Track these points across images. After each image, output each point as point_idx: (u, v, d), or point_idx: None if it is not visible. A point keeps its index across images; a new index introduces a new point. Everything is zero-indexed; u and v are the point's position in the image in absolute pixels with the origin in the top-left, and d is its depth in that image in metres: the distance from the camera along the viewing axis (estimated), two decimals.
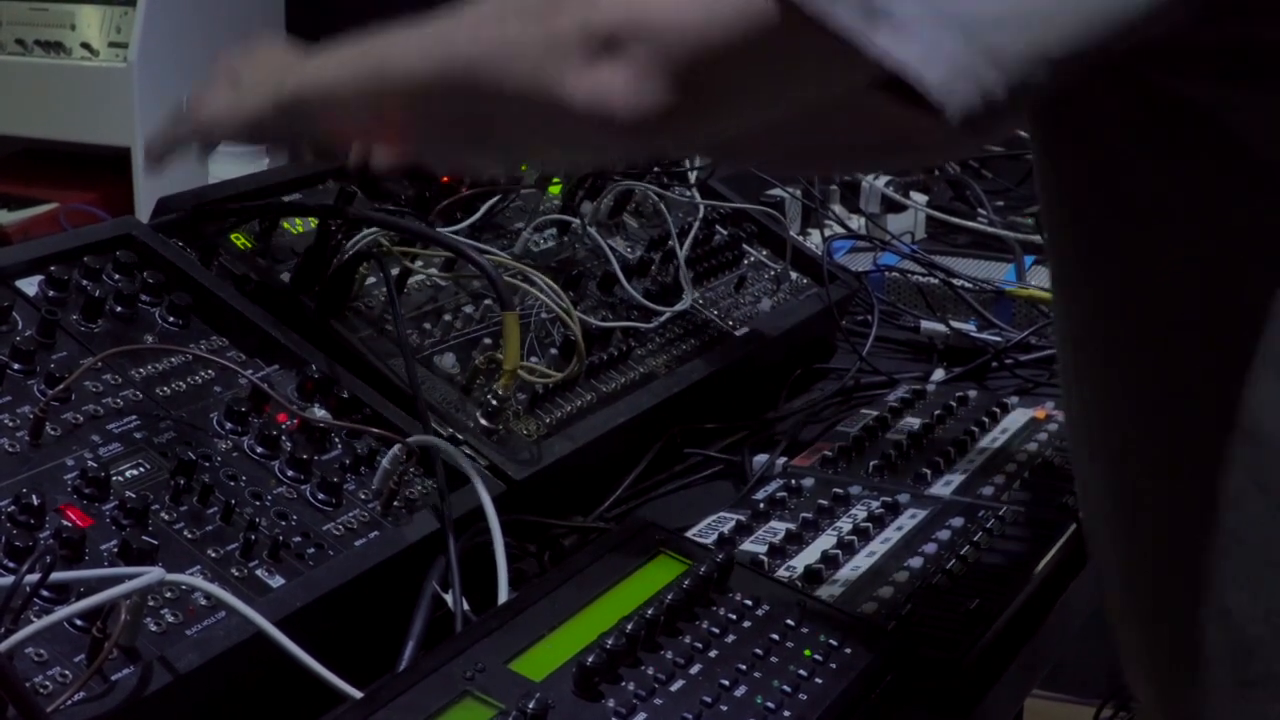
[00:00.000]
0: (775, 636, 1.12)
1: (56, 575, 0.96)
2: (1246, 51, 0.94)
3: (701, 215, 1.82)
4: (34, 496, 1.04)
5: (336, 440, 1.26)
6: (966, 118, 0.89)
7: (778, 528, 1.36)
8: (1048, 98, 0.97)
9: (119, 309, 1.26)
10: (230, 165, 1.98)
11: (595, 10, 0.96)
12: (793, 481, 1.46)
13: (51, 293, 1.25)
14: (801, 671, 1.09)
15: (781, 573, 1.28)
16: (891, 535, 1.36)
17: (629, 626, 1.05)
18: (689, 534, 1.33)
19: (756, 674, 1.08)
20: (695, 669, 1.06)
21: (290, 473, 1.20)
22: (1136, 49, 0.94)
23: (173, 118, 1.33)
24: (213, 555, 1.09)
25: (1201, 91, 0.95)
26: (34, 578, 0.94)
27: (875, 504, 1.41)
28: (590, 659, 1.02)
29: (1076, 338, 1.08)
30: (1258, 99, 0.95)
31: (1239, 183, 0.97)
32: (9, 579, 0.94)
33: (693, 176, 1.88)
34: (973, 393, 1.72)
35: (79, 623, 0.97)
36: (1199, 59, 0.95)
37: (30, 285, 1.25)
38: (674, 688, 1.04)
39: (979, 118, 0.90)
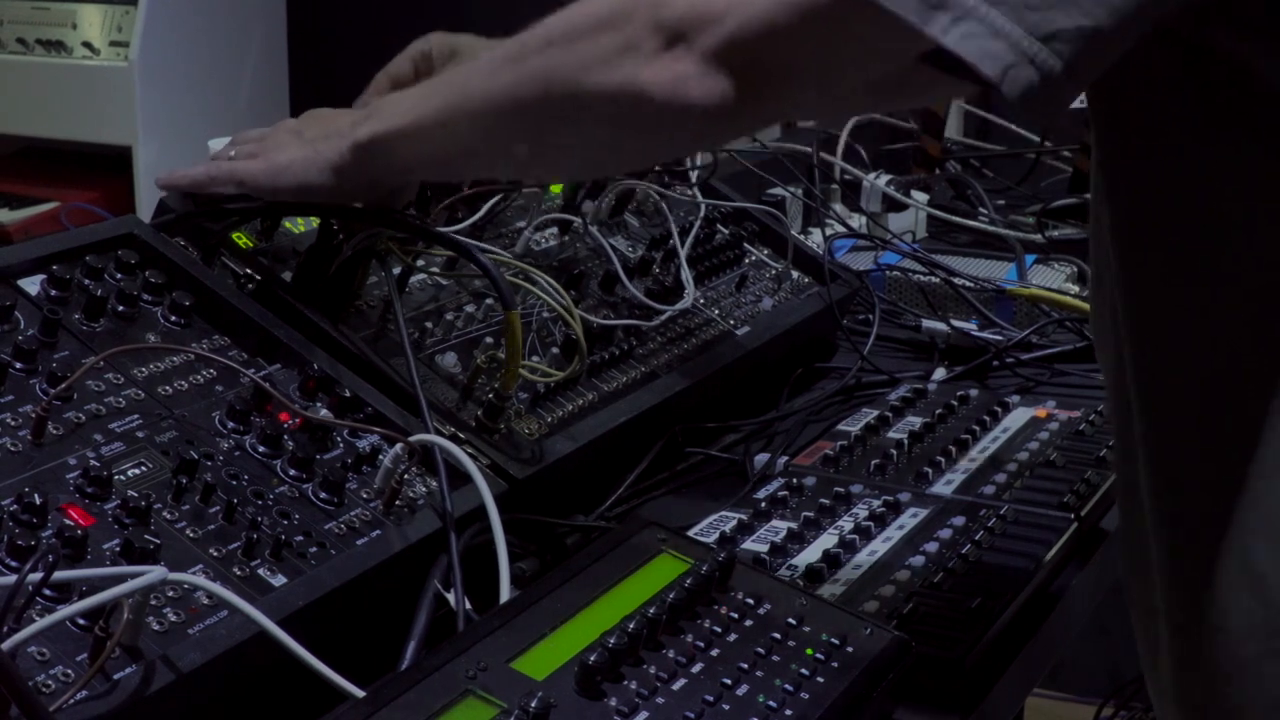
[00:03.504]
0: (777, 635, 1.12)
1: (59, 574, 0.96)
2: None
3: (703, 214, 1.82)
4: (36, 495, 1.04)
5: (338, 439, 1.26)
6: (1026, 99, 0.92)
7: (779, 526, 1.37)
8: (1104, 70, 0.97)
9: (121, 308, 1.27)
10: None
11: (663, 7, 1.04)
12: (794, 480, 1.46)
13: (53, 292, 1.25)
14: (803, 670, 1.09)
15: (783, 571, 1.28)
16: (893, 534, 1.36)
17: (631, 625, 1.06)
18: (691, 533, 1.33)
19: (758, 672, 1.08)
20: (697, 668, 1.07)
21: (292, 472, 1.20)
22: (1187, 10, 0.95)
23: (210, 167, 1.41)
24: (215, 554, 1.09)
25: (1255, 49, 0.96)
26: (36, 577, 0.94)
27: (876, 503, 1.41)
28: (592, 658, 1.02)
29: (1129, 305, 1.08)
30: None
31: None
32: (11, 578, 0.94)
33: (694, 176, 1.88)
34: (974, 392, 1.72)
35: (81, 622, 0.98)
36: (1250, 14, 0.95)
37: (32, 284, 1.26)
38: (676, 686, 1.04)
39: (1038, 99, 0.92)
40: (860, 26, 0.98)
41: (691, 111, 1.05)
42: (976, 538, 1.34)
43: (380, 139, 1.29)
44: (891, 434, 1.60)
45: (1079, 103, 1.04)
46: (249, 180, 1.38)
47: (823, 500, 1.41)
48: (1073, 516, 1.40)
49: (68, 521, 1.05)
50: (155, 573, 0.97)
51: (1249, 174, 0.99)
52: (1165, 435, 1.06)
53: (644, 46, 1.05)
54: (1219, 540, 1.02)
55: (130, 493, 1.09)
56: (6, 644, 0.91)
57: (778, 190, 2.25)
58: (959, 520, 1.38)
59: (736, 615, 1.13)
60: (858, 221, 2.37)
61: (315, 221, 1.44)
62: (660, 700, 1.02)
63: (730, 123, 1.12)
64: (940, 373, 1.85)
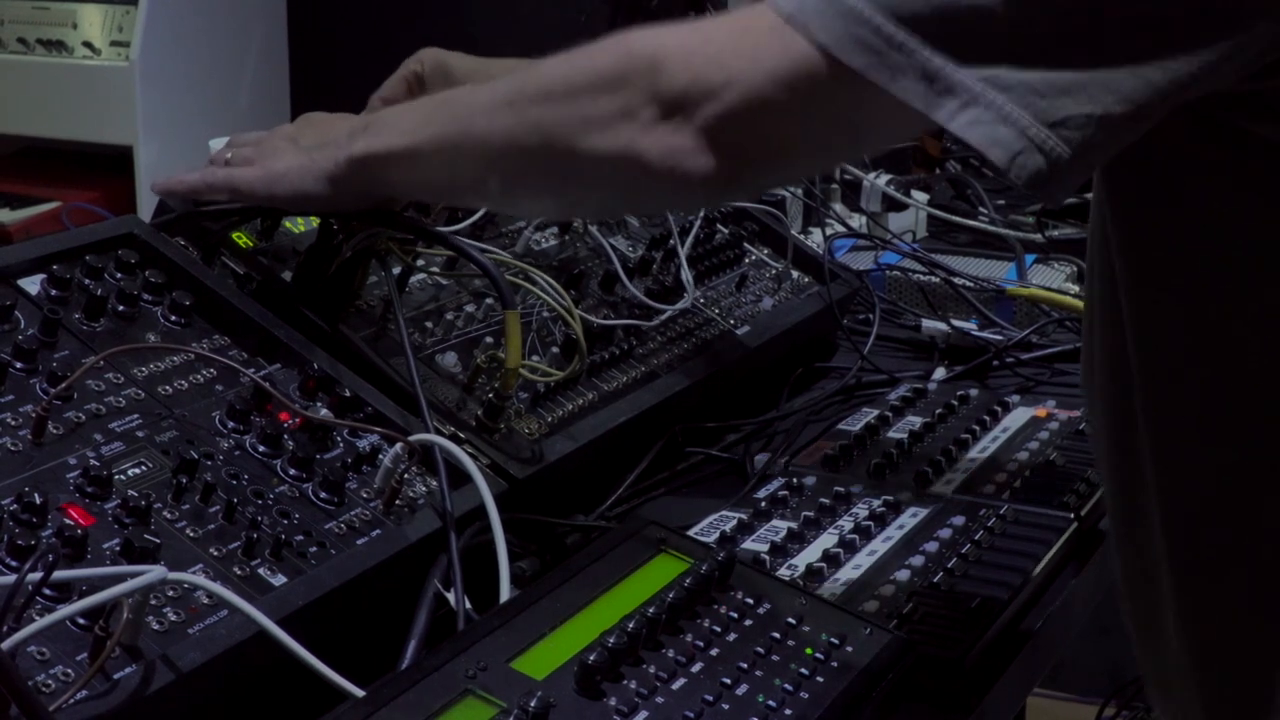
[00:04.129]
0: (777, 635, 1.12)
1: (59, 574, 0.96)
2: None
3: (703, 214, 1.82)
4: (36, 495, 1.04)
5: (338, 439, 1.26)
6: (1034, 184, 0.92)
7: (779, 526, 1.37)
8: (1120, 149, 0.97)
9: (121, 308, 1.27)
10: None
11: (664, 76, 1.02)
12: (794, 480, 1.46)
13: (54, 291, 1.25)
14: (803, 670, 1.09)
15: (783, 571, 1.28)
16: (893, 534, 1.36)
17: (631, 625, 1.06)
18: (690, 532, 1.33)
19: (758, 672, 1.08)
20: (697, 667, 1.07)
21: (292, 471, 1.20)
22: (1203, 98, 0.94)
23: (206, 173, 1.41)
24: (215, 554, 1.09)
25: (1272, 129, 0.96)
26: (36, 576, 0.94)
27: (876, 502, 1.41)
28: (592, 657, 1.02)
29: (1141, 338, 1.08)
30: None
31: None
32: (11, 577, 0.94)
33: None
34: (974, 391, 1.73)
35: (81, 621, 0.98)
36: (1264, 102, 0.95)
37: (32, 284, 1.26)
38: (676, 686, 1.04)
39: (1047, 185, 0.92)
40: (861, 108, 0.98)
41: (687, 182, 1.04)
42: (976, 537, 1.34)
43: (375, 157, 1.28)
44: (891, 434, 1.60)
45: None
46: (245, 188, 1.37)
47: (823, 500, 1.41)
48: (1072, 516, 1.40)
49: (68, 521, 1.05)
50: (155, 572, 0.97)
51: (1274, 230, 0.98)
52: (1180, 490, 1.06)
53: (642, 115, 1.04)
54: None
55: (130, 492, 1.09)
56: (6, 643, 0.91)
57: (778, 190, 2.25)
58: (959, 520, 1.38)
59: (736, 615, 1.13)
60: (858, 221, 2.37)
61: (315, 221, 1.44)
62: (660, 700, 1.02)
63: (725, 193, 1.12)
64: (940, 372, 1.85)
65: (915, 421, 1.62)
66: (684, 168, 1.03)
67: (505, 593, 1.17)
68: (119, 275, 1.30)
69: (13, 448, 1.10)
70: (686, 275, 1.69)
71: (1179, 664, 1.11)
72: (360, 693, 1.02)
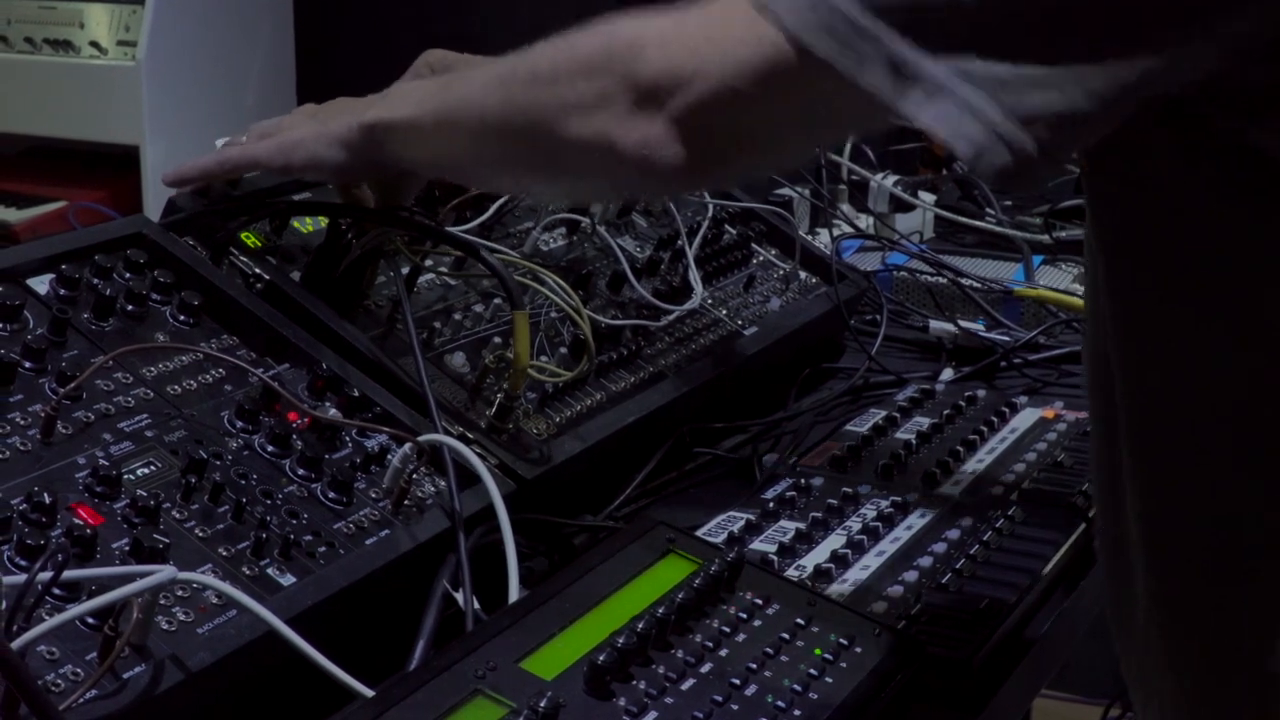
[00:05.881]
0: (785, 635, 1.12)
1: (68, 573, 0.96)
2: None
3: (710, 214, 1.83)
4: (45, 495, 1.04)
5: (347, 439, 1.26)
6: (1001, 178, 0.91)
7: (787, 527, 1.37)
8: (1089, 144, 0.97)
9: (130, 307, 1.27)
10: None
11: (640, 64, 1.03)
12: (802, 481, 1.47)
13: (62, 291, 1.25)
14: (811, 670, 1.09)
15: (791, 572, 1.28)
16: (901, 535, 1.36)
17: (640, 625, 1.05)
18: (699, 533, 1.33)
19: (767, 673, 1.08)
20: (706, 668, 1.07)
21: (301, 471, 1.20)
22: (1178, 93, 0.93)
23: (220, 153, 1.42)
24: (224, 554, 1.09)
25: (1248, 125, 0.95)
26: (46, 576, 0.94)
27: (884, 503, 1.41)
28: (601, 658, 1.02)
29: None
30: None
31: None
32: (21, 577, 0.94)
33: None
34: (981, 392, 1.73)
35: (90, 621, 0.97)
36: (1243, 97, 0.94)
37: (41, 284, 1.25)
38: (685, 686, 1.04)
39: (1012, 174, 0.91)
40: (827, 97, 0.97)
41: (657, 171, 1.05)
42: (984, 539, 1.34)
43: (383, 124, 1.29)
44: (899, 434, 1.60)
45: None
46: (262, 159, 1.38)
47: (831, 501, 1.41)
48: (1080, 518, 1.40)
49: (77, 521, 1.05)
50: (164, 572, 0.97)
51: (1262, 238, 0.97)
52: (1158, 498, 1.05)
53: (617, 102, 1.05)
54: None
55: (139, 492, 1.09)
56: (16, 643, 0.91)
57: (785, 190, 2.25)
58: (967, 521, 1.38)
59: (745, 616, 1.13)
60: (865, 222, 2.37)
61: (324, 221, 1.45)
62: (669, 700, 1.02)
63: (696, 183, 1.13)
64: (948, 373, 1.85)
65: (923, 422, 1.62)
66: (654, 157, 1.04)
67: (514, 593, 1.17)
68: (128, 275, 1.30)
69: (22, 447, 1.10)
70: (694, 276, 1.69)
71: (1156, 661, 1.11)
72: (369, 693, 1.02)
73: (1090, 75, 0.90)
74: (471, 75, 1.25)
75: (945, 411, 1.64)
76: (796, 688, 1.07)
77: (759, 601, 1.15)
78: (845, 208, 2.38)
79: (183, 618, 1.02)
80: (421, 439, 1.23)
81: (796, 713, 1.05)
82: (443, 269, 1.51)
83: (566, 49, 1.11)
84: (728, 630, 1.11)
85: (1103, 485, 1.11)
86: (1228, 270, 0.98)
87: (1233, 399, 0.99)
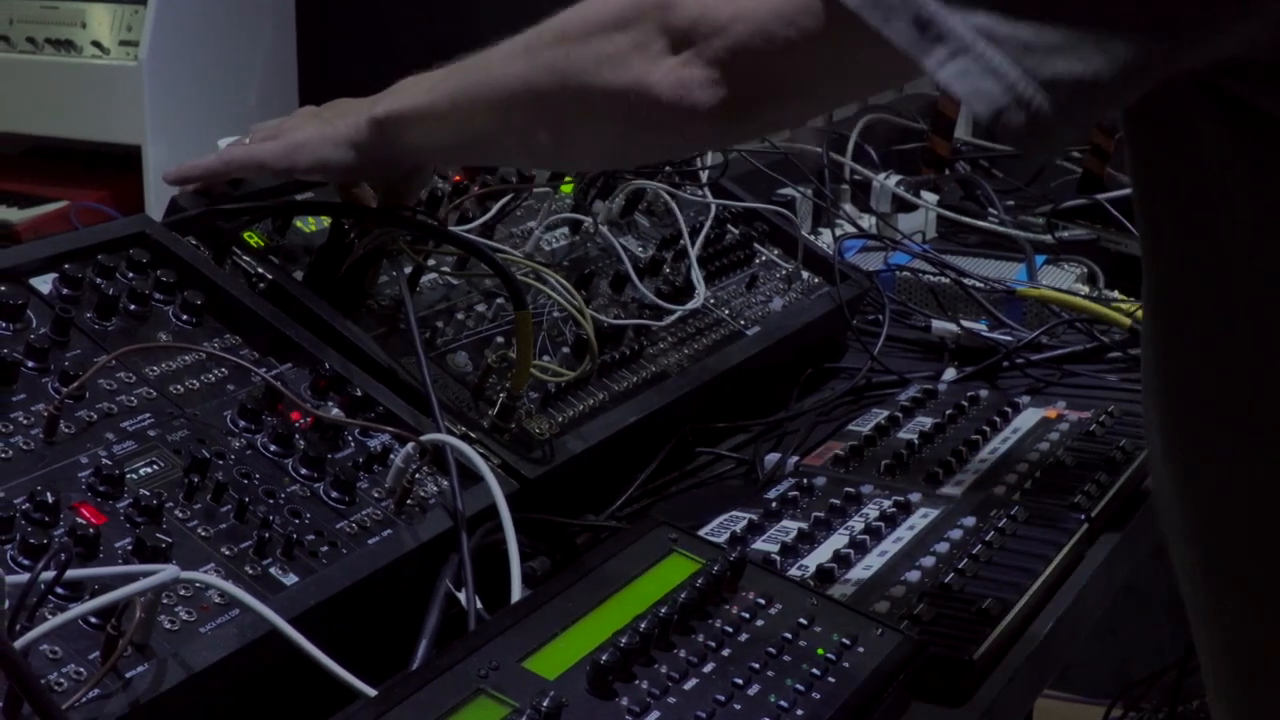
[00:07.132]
0: (788, 635, 1.12)
1: (71, 573, 0.96)
2: None
3: (713, 214, 1.83)
4: (48, 494, 1.04)
5: (349, 438, 1.26)
6: (1017, 140, 0.92)
7: (790, 527, 1.37)
8: (1109, 113, 0.97)
9: (132, 307, 1.27)
10: None
11: (672, 11, 1.07)
12: (804, 480, 1.46)
13: (65, 290, 1.25)
14: (814, 670, 1.09)
15: (794, 571, 1.28)
16: (903, 534, 1.36)
17: (642, 625, 1.05)
18: (701, 533, 1.33)
19: (769, 672, 1.08)
20: (708, 667, 1.06)
21: (303, 471, 1.20)
22: (1203, 66, 0.93)
23: (224, 154, 1.42)
24: (226, 553, 1.09)
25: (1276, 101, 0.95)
26: (49, 575, 0.94)
27: (887, 503, 1.41)
28: (604, 657, 1.02)
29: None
30: None
31: None
32: (24, 576, 0.94)
33: (704, 176, 1.88)
34: (984, 392, 1.73)
35: (93, 620, 0.97)
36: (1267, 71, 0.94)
37: (44, 283, 1.26)
38: (687, 686, 1.04)
39: (1028, 138, 0.92)
40: (856, 49, 0.99)
41: (696, 114, 1.07)
42: (987, 538, 1.34)
43: (396, 116, 1.30)
44: (902, 434, 1.60)
45: None
46: (267, 160, 1.38)
47: (833, 500, 1.41)
48: (1083, 517, 1.40)
49: (80, 520, 1.05)
50: (167, 571, 0.97)
51: None
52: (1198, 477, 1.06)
53: (653, 48, 1.08)
54: None
55: (142, 491, 1.09)
56: (19, 642, 0.91)
57: (788, 190, 2.25)
58: (969, 521, 1.38)
59: (747, 615, 1.13)
60: (868, 222, 2.37)
61: (327, 221, 1.45)
62: (672, 700, 1.02)
63: (734, 127, 1.14)
64: (950, 373, 1.85)
65: (925, 422, 1.62)
66: (691, 99, 1.06)
67: (517, 592, 1.17)
68: (131, 274, 1.30)
69: (25, 446, 1.10)
70: (697, 275, 1.69)
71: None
72: (372, 692, 1.02)
73: (1115, 42, 0.90)
74: (486, 54, 1.26)
75: (948, 411, 1.64)
76: (799, 687, 1.07)
77: (761, 601, 1.15)
78: (848, 208, 2.38)
79: (185, 617, 1.02)
80: (424, 438, 1.23)
81: (799, 712, 1.05)
82: (445, 268, 1.51)
83: (596, 6, 1.13)
84: (730, 630, 1.11)
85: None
86: (1274, 244, 0.98)
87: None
